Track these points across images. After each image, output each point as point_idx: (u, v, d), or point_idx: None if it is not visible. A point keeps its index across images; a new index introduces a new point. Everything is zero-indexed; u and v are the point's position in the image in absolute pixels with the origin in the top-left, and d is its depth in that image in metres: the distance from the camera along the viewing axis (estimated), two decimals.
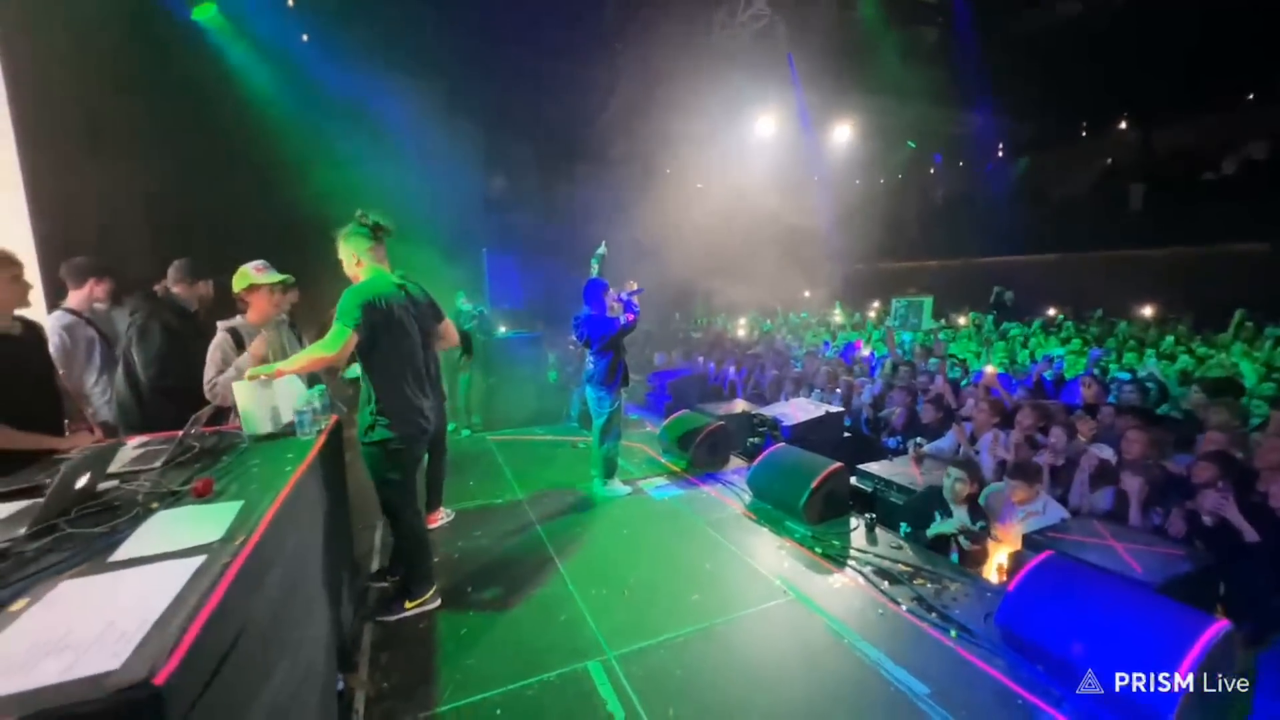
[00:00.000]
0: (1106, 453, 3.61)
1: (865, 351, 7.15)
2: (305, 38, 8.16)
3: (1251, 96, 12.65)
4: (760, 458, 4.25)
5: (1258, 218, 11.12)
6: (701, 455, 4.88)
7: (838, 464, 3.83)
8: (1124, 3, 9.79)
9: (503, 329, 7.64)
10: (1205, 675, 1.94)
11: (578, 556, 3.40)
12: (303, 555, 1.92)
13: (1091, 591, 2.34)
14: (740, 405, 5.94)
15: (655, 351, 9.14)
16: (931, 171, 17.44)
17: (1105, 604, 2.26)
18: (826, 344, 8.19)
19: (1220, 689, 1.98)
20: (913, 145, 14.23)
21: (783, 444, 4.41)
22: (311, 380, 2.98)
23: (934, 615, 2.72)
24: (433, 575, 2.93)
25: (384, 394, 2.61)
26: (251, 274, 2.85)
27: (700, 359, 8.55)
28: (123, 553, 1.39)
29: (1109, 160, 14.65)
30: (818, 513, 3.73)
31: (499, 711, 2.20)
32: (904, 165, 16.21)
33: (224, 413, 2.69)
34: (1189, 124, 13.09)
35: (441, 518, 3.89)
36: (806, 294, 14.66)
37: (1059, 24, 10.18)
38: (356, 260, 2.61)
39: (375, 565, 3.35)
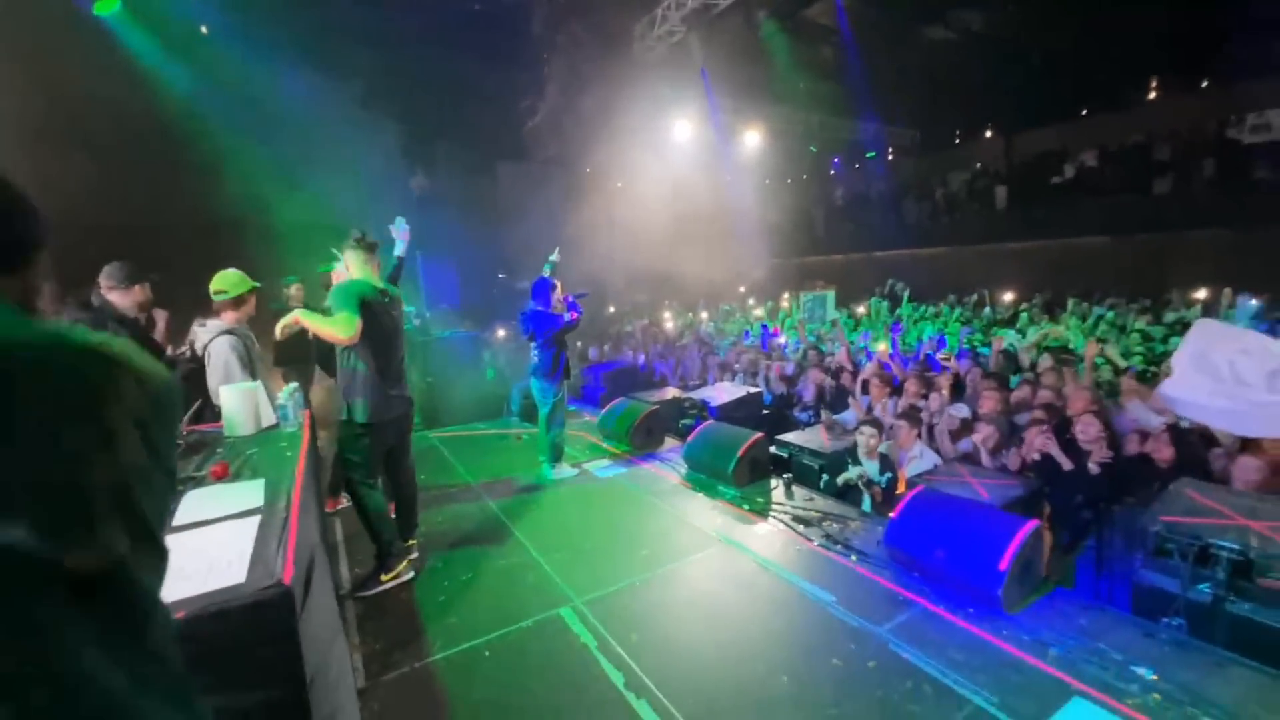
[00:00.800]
0: (964, 412, 4.45)
1: (781, 340, 7.93)
2: (204, 29, 7.80)
3: (1085, 112, 14.91)
4: (692, 435, 4.78)
5: (1097, 215, 13.21)
6: (639, 438, 5.36)
7: (759, 434, 4.44)
8: (981, 30, 11.25)
9: (439, 329, 7.74)
10: (1019, 560, 2.65)
11: (536, 529, 3.77)
12: (309, 523, 2.19)
13: (949, 513, 3.03)
14: (671, 392, 6.48)
15: (589, 346, 9.53)
16: (831, 173, 18.99)
17: (958, 521, 2.95)
18: (747, 333, 8.95)
19: (1031, 569, 2.71)
20: (814, 150, 15.46)
21: (711, 422, 4.98)
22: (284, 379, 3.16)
23: (839, 547, 3.35)
24: (396, 545, 3.21)
25: (365, 380, 2.91)
26: (248, 279, 3.05)
27: (630, 351, 9.05)
28: (180, 519, 1.64)
29: (978, 165, 16.66)
30: (744, 477, 4.31)
31: (488, 653, 2.56)
32: (808, 168, 17.55)
33: (200, 412, 2.84)
34: (1040, 134, 15.20)
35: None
36: (735, 289, 15.56)
37: (933, 46, 11.55)
38: (348, 268, 2.95)
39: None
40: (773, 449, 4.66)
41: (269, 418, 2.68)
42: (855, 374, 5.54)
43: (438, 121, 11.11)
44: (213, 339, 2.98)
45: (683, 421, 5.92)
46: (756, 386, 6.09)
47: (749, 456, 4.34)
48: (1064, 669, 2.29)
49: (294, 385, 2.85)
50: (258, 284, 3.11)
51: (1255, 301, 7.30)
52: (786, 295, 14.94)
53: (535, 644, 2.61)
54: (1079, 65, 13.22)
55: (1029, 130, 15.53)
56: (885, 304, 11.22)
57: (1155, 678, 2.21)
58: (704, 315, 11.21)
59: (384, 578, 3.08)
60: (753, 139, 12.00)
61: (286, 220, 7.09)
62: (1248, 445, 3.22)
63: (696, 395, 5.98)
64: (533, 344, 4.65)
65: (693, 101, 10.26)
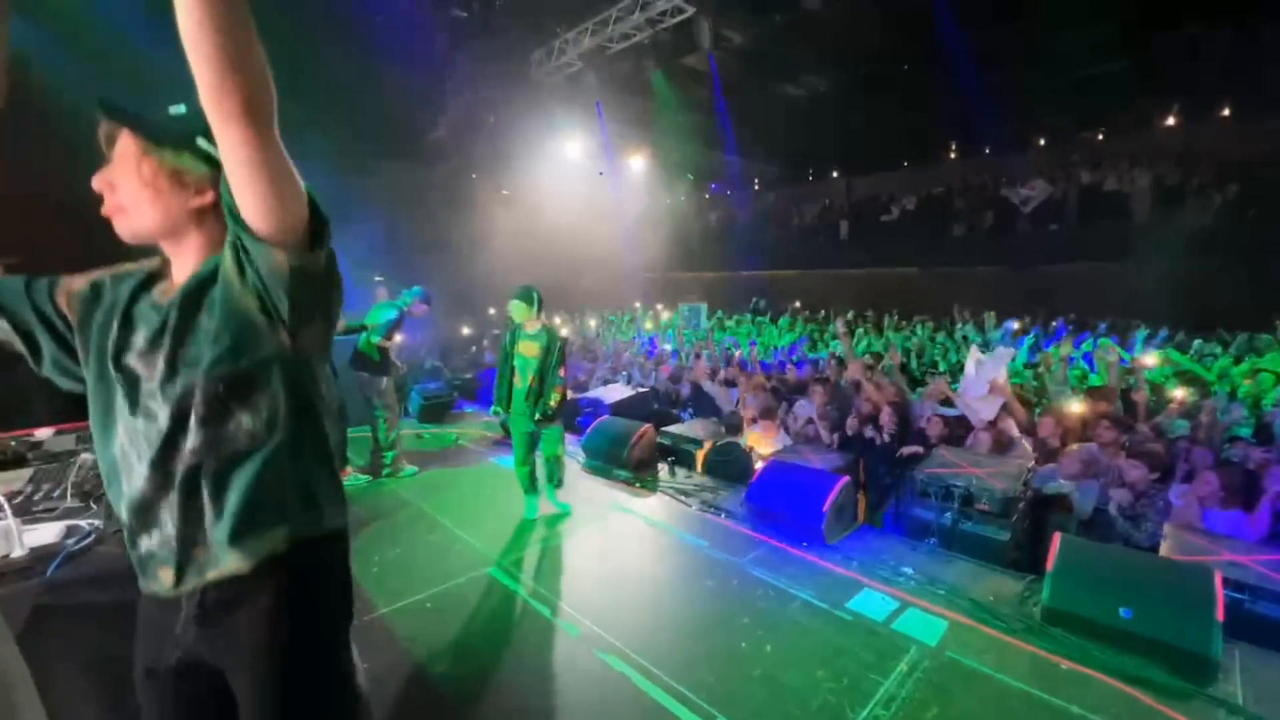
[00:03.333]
0: (809, 409, 5.62)
1: (665, 346, 8.89)
2: None
3: (906, 164, 18.05)
4: (590, 427, 5.45)
5: (914, 249, 16.06)
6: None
7: (648, 425, 5.22)
8: (827, 90, 13.35)
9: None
10: (836, 505, 3.66)
11: (449, 510, 4.19)
12: None
13: (792, 477, 4.01)
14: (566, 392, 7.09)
15: (486, 351, 9.80)
16: (706, 197, 20.87)
17: (797, 482, 3.93)
18: (637, 338, 9.83)
19: (844, 512, 3.75)
20: (690, 177, 16.97)
21: (605, 416, 5.69)
22: None
23: (711, 509, 4.21)
24: None
25: None
26: None
27: None
28: None
29: (826, 200, 19.39)
30: (636, 462, 5.06)
31: (429, 605, 3.00)
32: (684, 193, 19.13)
33: None
34: (873, 178, 18.14)
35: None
36: (617, 298, 16.45)
37: (790, 99, 13.47)
38: None
39: None
40: (659, 439, 5.47)
41: None
42: (717, 374, 6.59)
43: (312, 112, 10.70)
44: None
45: (579, 419, 6.57)
46: (645, 387, 6.91)
47: (640, 444, 5.10)
48: (860, 573, 3.29)
49: None
50: None
51: (1011, 323, 9.68)
52: (661, 306, 16.20)
53: (472, 595, 3.10)
54: (901, 125, 16.05)
55: (866, 174, 18.45)
56: (750, 317, 12.77)
57: (912, 572, 3.29)
58: (592, 324, 11.95)
59: None
60: (637, 164, 13.04)
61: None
62: (989, 425, 4.61)
63: (592, 394, 6.65)
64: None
65: (584, 126, 11.03)
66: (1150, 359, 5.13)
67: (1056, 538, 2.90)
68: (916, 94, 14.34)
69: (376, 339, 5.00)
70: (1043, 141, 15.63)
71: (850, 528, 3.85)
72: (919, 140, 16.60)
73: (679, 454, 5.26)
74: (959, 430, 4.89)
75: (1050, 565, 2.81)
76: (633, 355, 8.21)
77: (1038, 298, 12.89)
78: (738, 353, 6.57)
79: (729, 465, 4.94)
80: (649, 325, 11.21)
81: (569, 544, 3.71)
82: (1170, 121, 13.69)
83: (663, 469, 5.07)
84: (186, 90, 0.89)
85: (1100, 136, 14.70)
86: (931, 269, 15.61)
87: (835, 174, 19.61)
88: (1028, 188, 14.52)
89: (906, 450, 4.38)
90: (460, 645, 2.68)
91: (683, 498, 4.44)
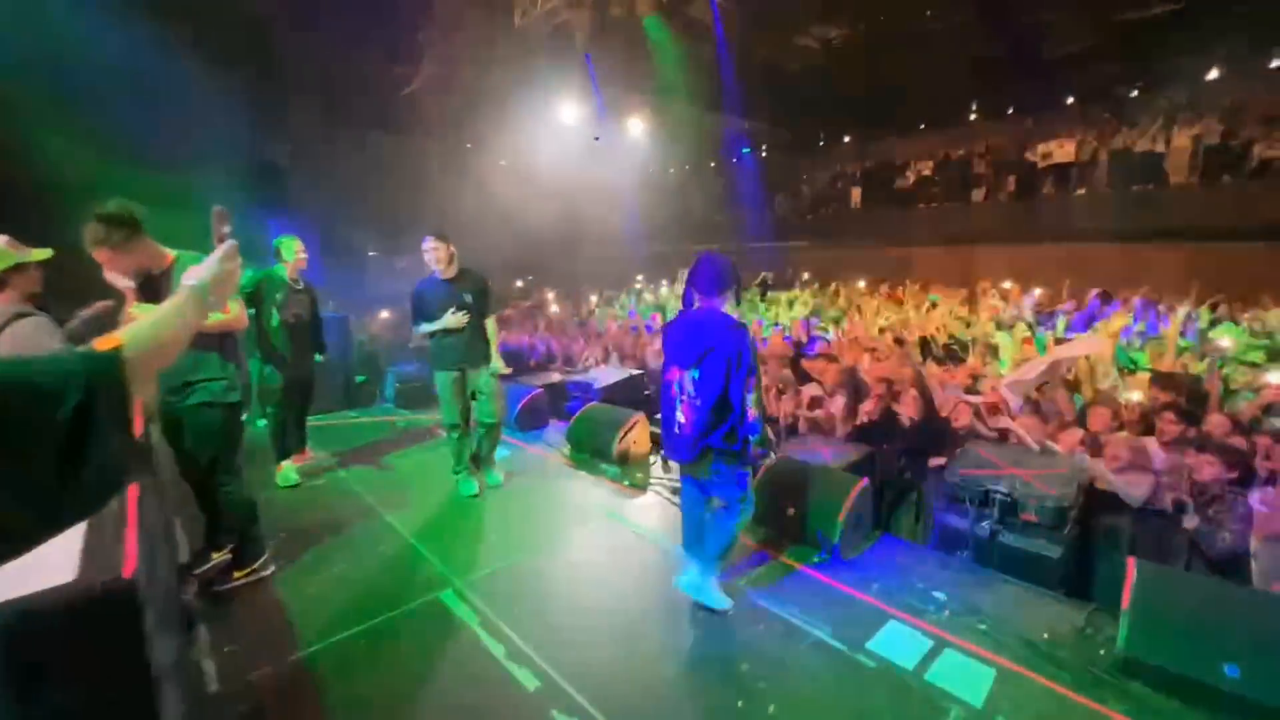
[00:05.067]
0: (816, 390, 5.03)
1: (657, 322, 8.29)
2: None
3: (923, 126, 17.01)
4: (576, 414, 4.90)
5: (927, 218, 15.21)
6: (524, 419, 5.38)
7: (639, 415, 4.66)
8: (839, 43, 12.37)
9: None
10: (853, 514, 3.10)
11: (413, 515, 3.67)
12: (149, 513, 1.99)
13: (800, 477, 3.45)
14: (555, 375, 6.55)
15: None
16: (713, 165, 19.90)
17: (806, 482, 3.37)
18: (633, 314, 9.21)
19: (862, 522, 3.20)
20: (691, 143, 16.08)
21: (593, 403, 5.13)
22: None
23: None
24: (264, 541, 2.99)
25: (233, 360, 2.80)
26: (13, 253, 2.52)
27: (514, 335, 8.91)
28: None
29: (838, 167, 18.41)
30: (625, 456, 4.52)
31: (362, 642, 2.49)
32: (685, 159, 18.21)
33: None
34: (887, 144, 17.13)
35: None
36: (618, 273, 15.77)
37: (801, 52, 12.51)
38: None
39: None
40: (652, 428, 4.92)
41: None
42: None
43: (297, 83, 9.98)
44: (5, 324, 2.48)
45: (567, 404, 6.02)
46: (638, 369, 6.34)
47: (629, 436, 4.55)
48: (882, 599, 2.75)
49: None
50: (24, 259, 2.51)
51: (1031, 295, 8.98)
52: (665, 281, 15.51)
53: (414, 629, 2.59)
54: (919, 82, 15.00)
55: (880, 138, 17.45)
56: (757, 292, 12.08)
57: (945, 598, 2.74)
58: (592, 299, 11.32)
59: (237, 574, 2.86)
60: (636, 127, 12.22)
61: (108, 190, 6.01)
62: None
63: (580, 377, 6.09)
64: None
65: (576, 86, 10.22)
66: (1226, 340, 4.47)
67: (1131, 565, 2.34)
68: (937, 47, 13.28)
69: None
70: (1071, 100, 14.54)
71: (870, 539, 3.30)
72: (938, 100, 15.53)
73: None
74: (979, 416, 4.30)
75: (1126, 601, 2.24)
76: (625, 334, 7.62)
77: (1064, 269, 12.03)
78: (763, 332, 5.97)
79: None
80: (649, 299, 10.58)
81: (541, 561, 3.18)
82: (1214, 74, 12.59)
83: (655, 462, 4.54)
84: None
85: (1135, 93, 13.61)
86: (949, 238, 14.80)
87: (847, 139, 18.60)
88: (1054, 144, 13.56)
89: (935, 462, 3.78)
90: (387, 703, 2.18)
91: (675, 499, 3.90)
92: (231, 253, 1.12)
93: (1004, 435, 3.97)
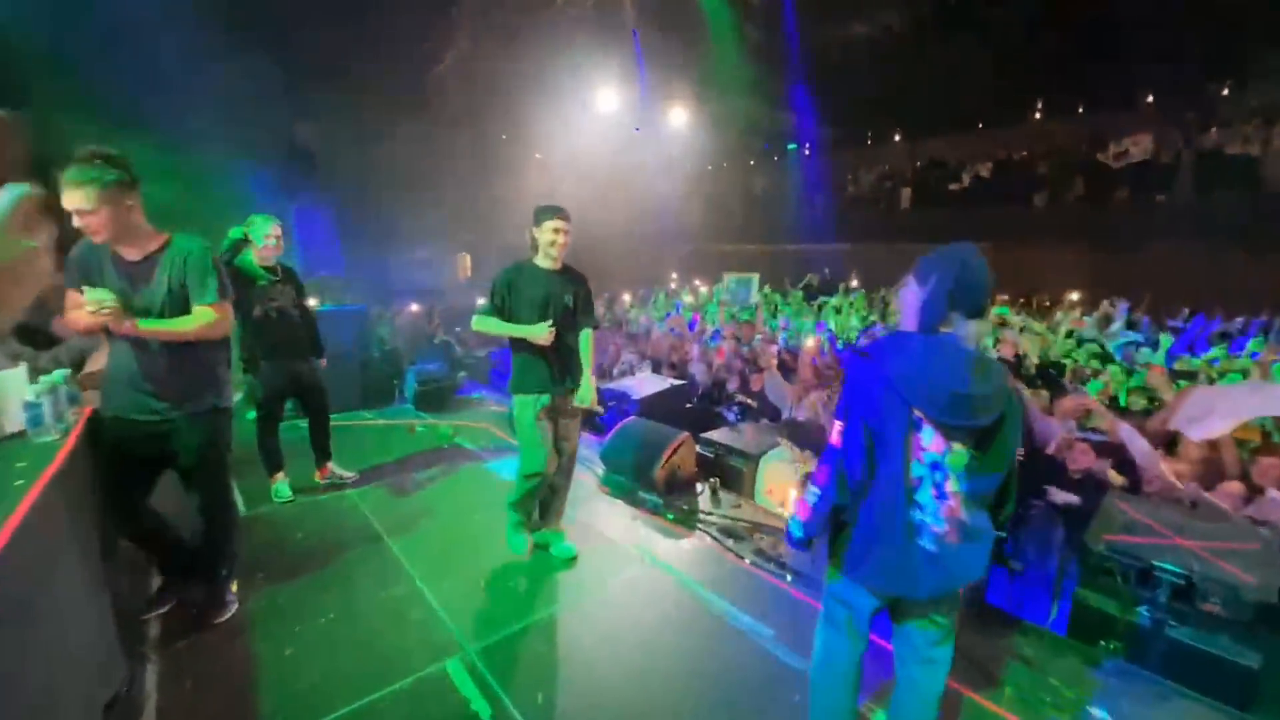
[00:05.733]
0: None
1: (706, 326, 7.65)
2: None
3: (980, 125, 15.95)
4: (611, 432, 4.31)
5: (986, 222, 14.20)
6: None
7: (685, 434, 4.05)
8: (903, 29, 11.48)
9: (314, 301, 6.65)
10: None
11: (423, 549, 3.12)
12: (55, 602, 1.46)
13: None
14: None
15: None
16: (751, 163, 19.10)
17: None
18: (668, 315, 8.58)
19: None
20: (739, 136, 15.36)
21: (632, 417, 4.53)
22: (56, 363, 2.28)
23: (772, 565, 3.03)
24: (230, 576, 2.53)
25: (225, 358, 2.37)
26: None
27: None
28: None
29: (886, 166, 17.43)
30: (669, 482, 3.91)
31: None
32: (730, 154, 17.47)
33: None
34: (941, 143, 16.11)
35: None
36: (656, 272, 15.18)
37: (850, 44, 11.67)
38: None
39: None
40: (698, 447, 4.30)
41: (13, 421, 1.86)
42: (783, 365, 5.32)
43: (330, 67, 9.63)
44: None
45: (599, 416, 5.45)
46: (679, 379, 5.72)
47: (674, 459, 3.94)
48: (1019, 710, 2.08)
49: (62, 373, 2.02)
50: None
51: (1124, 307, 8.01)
52: (698, 281, 14.81)
53: (412, 714, 2.03)
54: (979, 76, 13.98)
55: (932, 138, 16.44)
56: (802, 294, 11.34)
57: (1105, 717, 2.06)
58: (625, 299, 10.72)
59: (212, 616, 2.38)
60: (678, 117, 11.57)
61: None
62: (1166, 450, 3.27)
63: (616, 386, 5.50)
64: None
65: (617, 69, 9.61)
66: None
67: None
68: (1000, 37, 12.27)
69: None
70: (1151, 98, 13.34)
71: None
72: (998, 96, 14.46)
73: (725, 472, 4.08)
74: (1116, 464, 3.55)
75: None
76: (664, 337, 6.99)
77: (1137, 282, 10.93)
78: (810, 343, 5.29)
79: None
80: (688, 299, 9.92)
81: (569, 621, 2.60)
82: None
83: (703, 492, 3.91)
84: None
85: (1226, 90, 12.38)
86: (1006, 245, 13.79)
87: (897, 137, 17.60)
88: (1130, 140, 12.45)
89: (1059, 497, 3.07)
90: None
91: (729, 543, 3.27)
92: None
93: (1134, 486, 3.23)
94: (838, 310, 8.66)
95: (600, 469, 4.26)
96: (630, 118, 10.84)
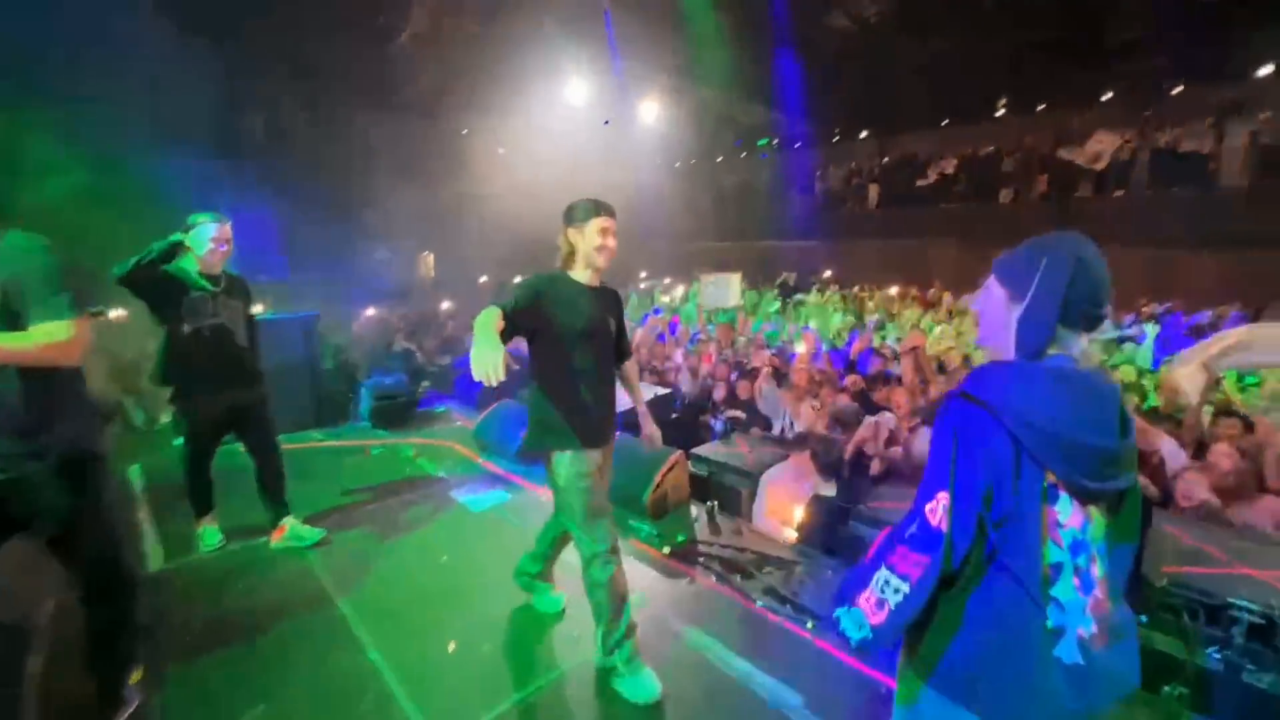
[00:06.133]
0: (891, 422, 4.05)
1: (686, 329, 7.28)
2: None
3: (946, 122, 16.09)
4: None
5: (949, 219, 14.31)
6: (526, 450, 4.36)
7: (678, 453, 3.66)
8: (876, 23, 11.36)
9: (259, 308, 5.99)
10: None
11: (379, 608, 2.64)
12: None
13: None
14: None
15: (465, 333, 8.18)
16: (720, 159, 18.86)
17: None
18: (645, 318, 8.16)
19: None
20: (711, 128, 15.07)
21: (618, 434, 4.11)
22: None
23: (788, 607, 2.67)
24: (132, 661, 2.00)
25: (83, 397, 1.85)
26: None
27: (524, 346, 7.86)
28: None
29: (853, 163, 17.45)
30: (662, 507, 3.51)
31: None
32: (700, 150, 17.19)
33: None
34: (909, 139, 16.20)
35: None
36: (632, 271, 14.75)
37: (818, 40, 11.49)
38: None
39: None
40: (690, 467, 3.92)
41: None
42: (776, 372, 4.99)
43: (276, 48, 8.86)
44: None
45: None
46: (664, 387, 5.33)
47: (666, 481, 3.54)
48: None
49: None
50: None
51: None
52: (669, 280, 14.45)
53: None
54: (941, 77, 14.05)
55: (900, 134, 16.51)
56: (776, 293, 11.12)
57: None
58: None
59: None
60: (649, 111, 11.18)
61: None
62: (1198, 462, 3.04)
63: None
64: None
65: (587, 57, 9.15)
66: None
67: None
68: (964, 35, 12.30)
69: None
70: (1110, 95, 13.64)
71: None
72: (964, 93, 14.56)
73: (721, 492, 3.71)
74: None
75: None
76: (642, 341, 6.59)
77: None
78: (804, 346, 4.98)
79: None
80: (664, 300, 9.53)
81: (560, 697, 2.17)
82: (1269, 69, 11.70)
83: (698, 518, 3.53)
84: None
85: (1181, 87, 12.71)
86: (974, 242, 13.90)
87: (864, 134, 17.63)
88: (1095, 141, 12.71)
89: None
90: None
91: (736, 580, 2.89)
92: None
93: (1162, 501, 3.00)
94: (818, 309, 8.44)
95: None
96: (600, 110, 10.40)
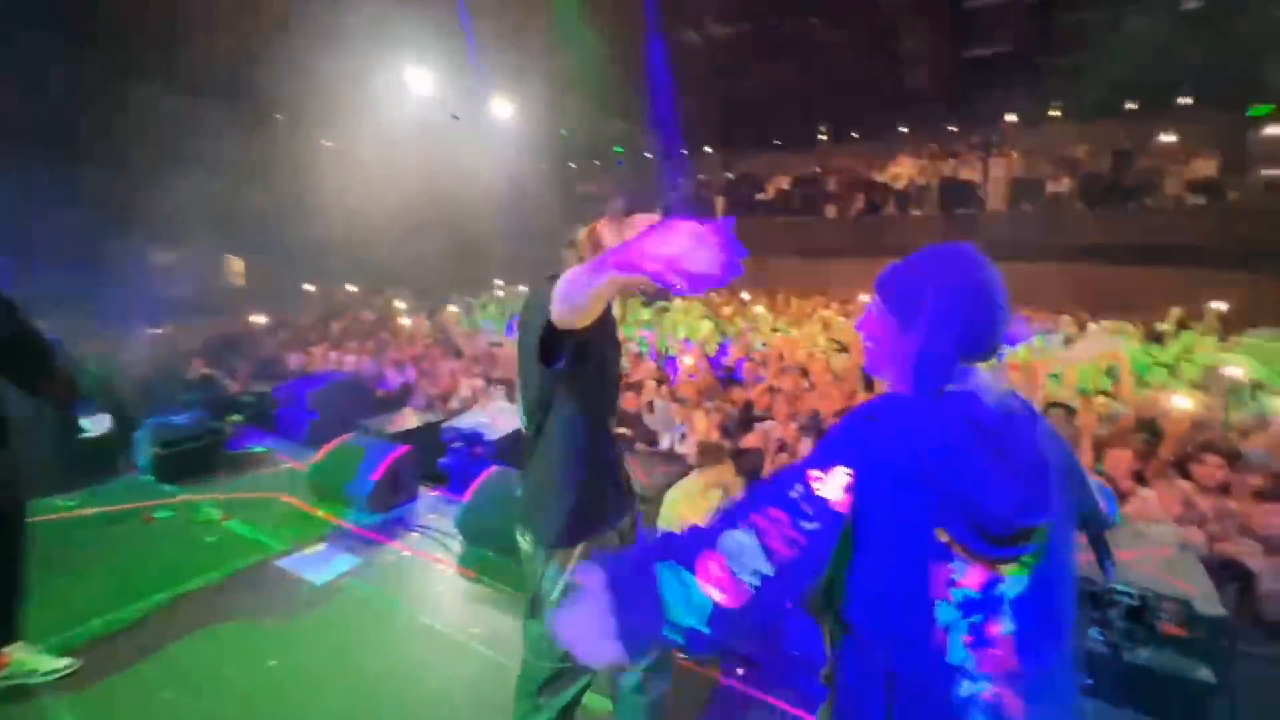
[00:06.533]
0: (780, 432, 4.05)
1: None
2: None
3: (778, 143, 17.63)
4: (472, 490, 3.29)
5: (786, 231, 15.64)
6: (381, 497, 3.60)
7: None
8: (728, 38, 11.94)
9: None
10: None
11: None
12: None
13: None
14: (414, 417, 4.79)
15: (291, 351, 6.85)
16: (573, 165, 18.62)
17: None
18: (509, 327, 7.49)
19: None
20: (565, 134, 14.75)
21: (495, 468, 3.55)
22: None
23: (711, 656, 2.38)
24: None
25: None
26: None
27: (353, 358, 6.76)
28: None
29: (700, 177, 18.34)
30: None
31: None
32: (553, 155, 16.76)
33: None
34: (749, 157, 17.46)
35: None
36: (484, 277, 13.73)
37: (682, 52, 11.83)
38: None
39: None
40: None
41: None
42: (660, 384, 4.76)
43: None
44: None
45: (443, 460, 4.33)
46: None
47: None
48: None
49: None
50: None
51: None
52: (524, 286, 13.83)
53: None
54: (778, 103, 15.34)
55: (741, 152, 17.75)
56: (640, 300, 11.10)
57: None
58: (451, 309, 9.31)
59: None
60: (503, 109, 10.51)
61: None
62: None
63: (461, 424, 4.41)
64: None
65: (434, 39, 8.24)
66: (1237, 367, 4.29)
67: None
68: (806, 60, 13.56)
69: None
70: (906, 129, 16.01)
71: None
72: (793, 118, 16.06)
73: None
74: None
75: None
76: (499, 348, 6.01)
77: None
78: (691, 357, 4.80)
79: None
80: (492, 310, 8.94)
81: None
82: (1012, 118, 14.59)
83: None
84: None
85: (957, 128, 15.32)
86: (807, 250, 15.36)
87: (709, 149, 18.62)
88: (895, 164, 14.84)
89: None
90: None
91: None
92: None
93: None
94: (685, 318, 8.51)
95: (456, 544, 3.22)
96: (450, 104, 9.49)
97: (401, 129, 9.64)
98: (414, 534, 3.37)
